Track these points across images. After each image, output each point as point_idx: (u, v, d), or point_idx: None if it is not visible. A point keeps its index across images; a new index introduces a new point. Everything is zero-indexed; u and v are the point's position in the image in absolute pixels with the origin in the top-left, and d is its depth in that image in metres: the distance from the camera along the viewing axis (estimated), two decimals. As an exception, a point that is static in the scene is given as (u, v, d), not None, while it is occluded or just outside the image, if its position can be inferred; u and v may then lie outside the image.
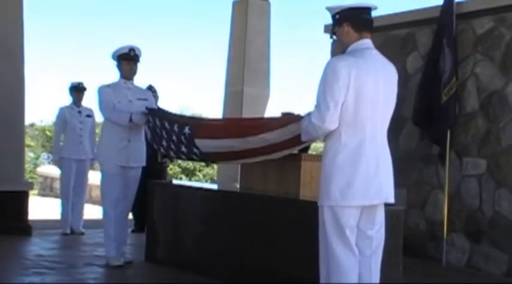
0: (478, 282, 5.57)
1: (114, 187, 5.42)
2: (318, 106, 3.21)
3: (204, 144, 4.95)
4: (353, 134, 3.20)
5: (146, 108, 5.41)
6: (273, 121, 4.76)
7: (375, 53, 3.34)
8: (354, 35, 3.32)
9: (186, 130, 5.02)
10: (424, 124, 6.18)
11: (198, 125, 5.17)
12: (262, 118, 5.37)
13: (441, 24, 6.06)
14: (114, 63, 5.56)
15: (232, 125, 5.31)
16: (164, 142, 5.22)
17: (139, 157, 5.54)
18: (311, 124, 3.26)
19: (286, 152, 4.62)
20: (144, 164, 5.61)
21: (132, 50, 5.48)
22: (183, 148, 5.12)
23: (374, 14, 3.41)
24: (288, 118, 4.53)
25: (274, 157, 4.66)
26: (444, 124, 5.96)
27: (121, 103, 5.42)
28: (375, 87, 3.21)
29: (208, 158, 5.23)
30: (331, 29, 3.45)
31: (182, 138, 5.06)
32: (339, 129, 3.22)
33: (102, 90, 5.50)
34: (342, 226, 3.21)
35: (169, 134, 5.17)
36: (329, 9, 3.41)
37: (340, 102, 3.16)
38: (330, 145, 3.28)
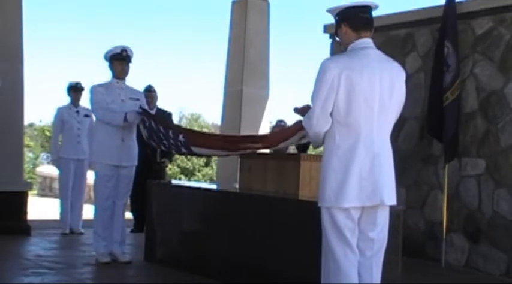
0: (477, 282, 5.58)
1: (106, 187, 5.48)
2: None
3: (199, 151, 5.30)
4: (347, 135, 3.18)
5: (140, 107, 5.47)
6: (266, 138, 5.22)
7: (374, 52, 3.29)
8: (352, 34, 3.30)
9: (181, 137, 5.23)
10: (435, 127, 6.08)
11: (191, 135, 5.45)
12: (256, 136, 5.58)
13: (444, 24, 6.04)
14: (106, 63, 5.61)
15: (225, 140, 5.47)
16: (165, 141, 5.31)
17: (131, 157, 5.59)
18: (305, 127, 3.33)
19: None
20: (136, 163, 5.64)
21: (124, 50, 5.52)
22: (183, 149, 5.39)
23: (374, 13, 3.38)
24: (281, 134, 4.80)
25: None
26: (452, 124, 5.93)
27: (114, 103, 5.48)
28: (370, 87, 3.16)
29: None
30: (334, 31, 3.45)
31: (178, 143, 5.26)
32: (333, 130, 3.21)
33: (95, 90, 5.53)
34: (339, 227, 3.20)
35: (166, 137, 5.28)
36: (329, 11, 3.40)
37: (328, 103, 3.16)
38: (326, 146, 3.28)
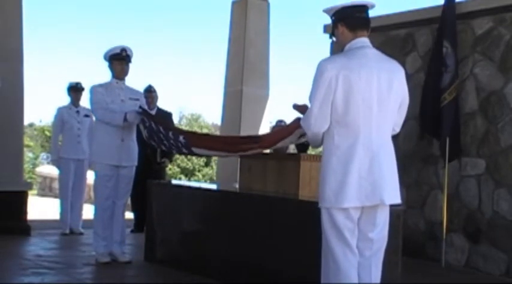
0: (477, 282, 5.57)
1: (106, 187, 5.48)
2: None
3: (199, 151, 5.31)
4: (345, 135, 3.18)
5: (140, 107, 5.48)
6: (266, 138, 5.13)
7: (371, 51, 3.28)
8: (348, 34, 3.29)
9: (181, 139, 5.24)
10: (431, 126, 6.11)
11: (191, 136, 5.46)
12: (256, 137, 5.58)
13: (443, 24, 6.04)
14: (106, 63, 5.62)
15: (225, 142, 5.47)
16: (165, 142, 5.33)
17: (131, 157, 5.60)
18: (303, 128, 3.33)
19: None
20: (136, 163, 5.65)
21: (123, 50, 5.52)
22: (184, 150, 5.41)
23: (373, 13, 3.38)
24: (279, 133, 4.80)
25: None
26: (449, 125, 5.93)
27: (114, 103, 5.48)
28: (367, 86, 3.15)
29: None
30: (331, 31, 3.44)
31: (179, 144, 5.27)
32: (332, 130, 3.21)
33: (95, 90, 5.54)
34: (339, 227, 3.19)
35: (166, 137, 5.30)
36: (326, 11, 3.40)
37: (326, 104, 3.15)
38: (325, 147, 3.28)
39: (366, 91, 3.15)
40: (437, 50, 6.06)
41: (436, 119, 5.98)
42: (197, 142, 5.26)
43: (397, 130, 3.45)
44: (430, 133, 6.21)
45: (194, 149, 5.23)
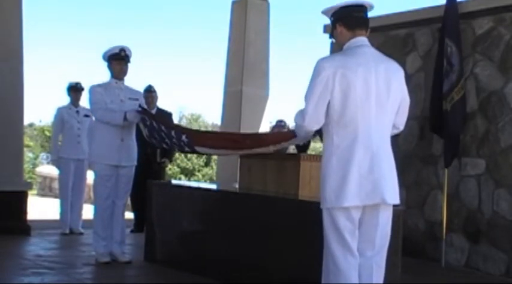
0: (477, 282, 5.57)
1: (106, 187, 5.48)
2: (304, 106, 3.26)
3: (202, 150, 5.32)
4: (344, 134, 3.17)
5: (139, 106, 5.48)
6: (267, 137, 5.11)
7: (370, 50, 3.27)
8: (347, 34, 3.29)
9: (184, 138, 5.21)
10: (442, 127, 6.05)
11: (194, 135, 5.40)
12: (257, 134, 5.54)
13: (446, 23, 6.03)
14: (105, 63, 5.61)
15: (227, 139, 5.45)
16: (167, 140, 5.32)
17: (131, 156, 5.60)
18: (296, 124, 3.34)
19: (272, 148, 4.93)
20: (135, 163, 5.64)
21: (122, 50, 5.51)
22: (186, 149, 5.42)
23: (373, 13, 3.38)
24: (281, 135, 4.77)
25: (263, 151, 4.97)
26: (459, 124, 5.90)
27: (113, 103, 5.48)
28: (365, 85, 3.14)
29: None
30: (330, 31, 3.44)
31: (182, 143, 5.25)
32: (330, 130, 3.20)
33: (94, 90, 5.53)
34: (340, 228, 3.18)
35: (168, 136, 5.28)
36: (324, 12, 3.39)
37: (321, 103, 3.15)
38: (324, 147, 3.27)
39: (363, 90, 3.14)
40: (442, 49, 6.02)
41: (444, 119, 5.92)
42: (200, 141, 5.23)
43: (401, 128, 3.45)
44: (440, 135, 6.12)
45: (197, 148, 5.22)
